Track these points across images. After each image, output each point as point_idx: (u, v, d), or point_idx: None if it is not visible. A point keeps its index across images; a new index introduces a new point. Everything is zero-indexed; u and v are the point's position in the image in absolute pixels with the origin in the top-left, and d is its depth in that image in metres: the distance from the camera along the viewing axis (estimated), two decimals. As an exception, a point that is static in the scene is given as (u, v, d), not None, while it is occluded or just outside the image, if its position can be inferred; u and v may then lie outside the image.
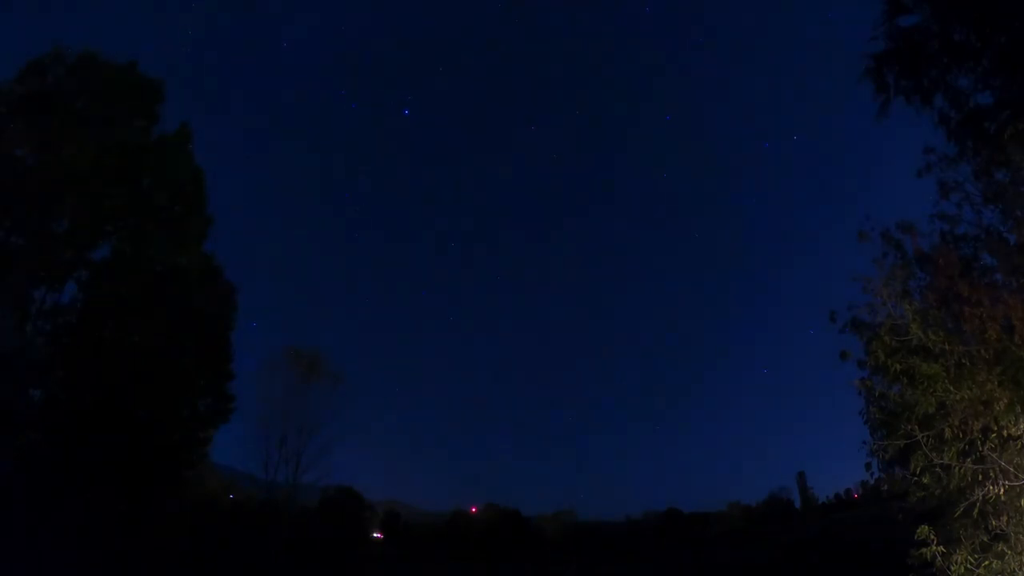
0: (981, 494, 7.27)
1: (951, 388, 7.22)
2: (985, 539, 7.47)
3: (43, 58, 19.04)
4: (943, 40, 8.56)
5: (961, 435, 7.31)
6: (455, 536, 54.80)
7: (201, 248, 21.07)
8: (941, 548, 7.48)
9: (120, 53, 20.93)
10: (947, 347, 7.40)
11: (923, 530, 7.56)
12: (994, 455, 7.22)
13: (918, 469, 7.50)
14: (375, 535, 51.72)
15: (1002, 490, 7.17)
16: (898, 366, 7.56)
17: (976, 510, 7.34)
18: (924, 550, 7.53)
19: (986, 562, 7.34)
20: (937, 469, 7.45)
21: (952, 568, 7.38)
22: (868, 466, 8.24)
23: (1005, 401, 7.08)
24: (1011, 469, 7.18)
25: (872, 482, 8.62)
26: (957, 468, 7.35)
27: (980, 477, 7.29)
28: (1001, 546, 7.37)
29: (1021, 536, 7.28)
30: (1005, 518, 7.38)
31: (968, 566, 7.35)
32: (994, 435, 7.21)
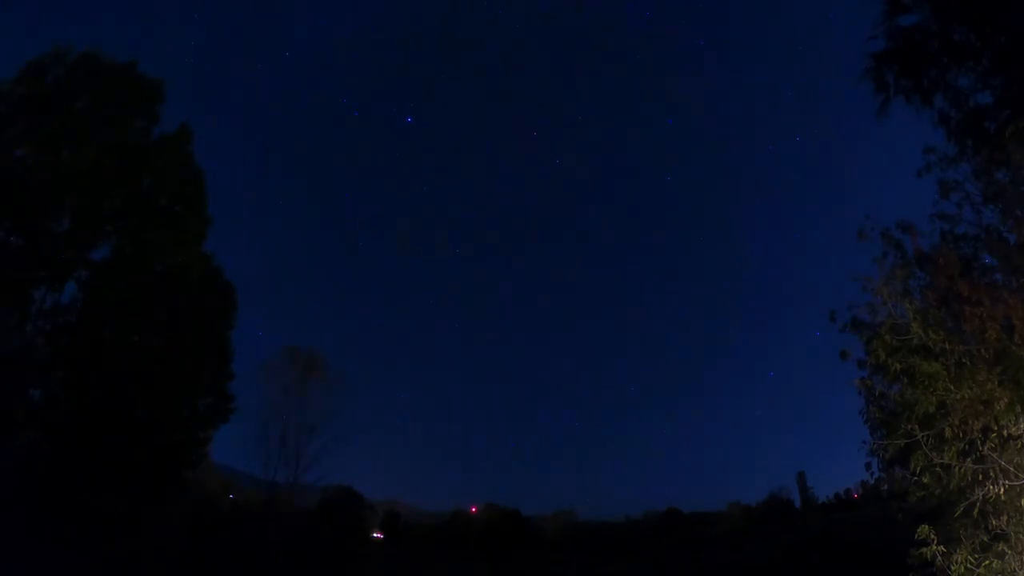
0: (981, 494, 7.27)
1: (951, 387, 7.22)
2: (985, 539, 7.48)
3: (43, 58, 19.03)
4: (943, 40, 8.56)
5: (961, 435, 7.30)
6: (455, 536, 54.79)
7: (201, 248, 21.06)
8: (941, 548, 7.48)
9: (120, 53, 20.93)
10: (947, 346, 7.40)
11: (923, 530, 7.56)
12: (994, 455, 7.22)
13: (918, 469, 7.50)
14: (375, 535, 51.70)
15: (1002, 490, 7.17)
16: (898, 365, 7.56)
17: (976, 510, 7.34)
18: (924, 550, 7.54)
19: (986, 562, 7.34)
20: (937, 469, 7.45)
21: (952, 568, 7.38)
22: (868, 466, 8.26)
23: (1005, 401, 7.08)
24: (1011, 469, 7.18)
25: (872, 482, 8.63)
26: (957, 468, 7.35)
27: (980, 477, 7.29)
28: (1001, 546, 7.37)
29: (1021, 536, 7.27)
30: (1005, 518, 7.37)
31: (968, 566, 7.35)
32: (994, 435, 7.21)
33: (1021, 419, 7.18)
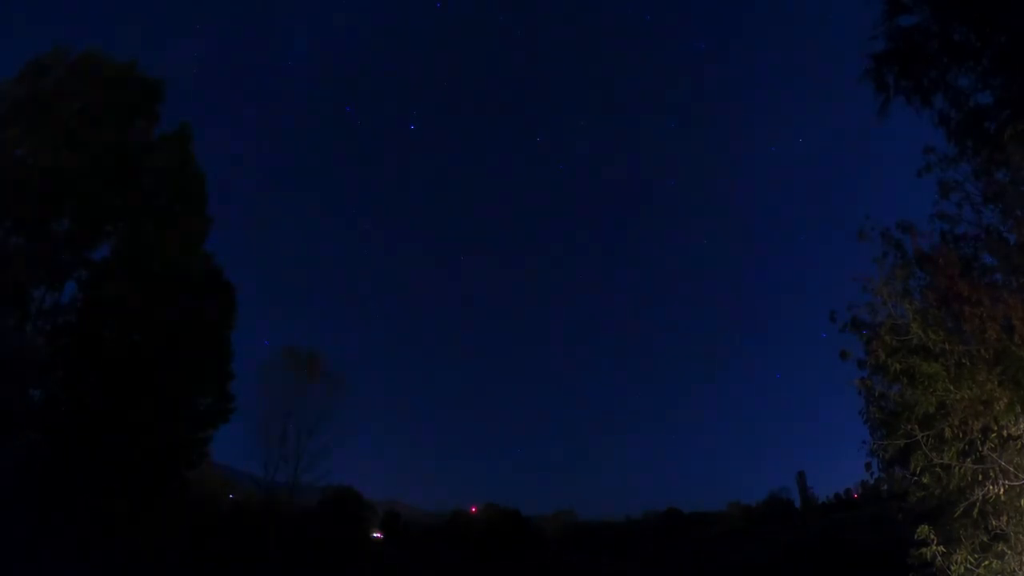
0: (981, 494, 7.28)
1: (951, 388, 7.22)
2: (985, 539, 7.48)
3: (43, 58, 19.05)
4: (943, 40, 8.57)
5: (961, 435, 7.31)
6: (455, 536, 54.75)
7: (201, 248, 21.08)
8: (941, 548, 7.48)
9: (121, 53, 20.97)
10: (947, 347, 7.40)
11: (923, 530, 7.56)
12: (994, 455, 7.23)
13: (918, 469, 7.51)
14: (375, 535, 51.68)
15: (1002, 490, 7.17)
16: (898, 366, 7.56)
17: (976, 510, 7.34)
18: (924, 550, 7.54)
19: (986, 562, 7.35)
20: (937, 469, 7.45)
21: (952, 568, 7.39)
22: (868, 466, 8.26)
23: (1005, 401, 7.08)
24: (1011, 469, 7.19)
25: (872, 482, 8.63)
26: (957, 468, 7.35)
27: (980, 477, 7.29)
28: (1001, 546, 7.37)
29: (1021, 536, 7.28)
30: (1005, 518, 7.38)
31: (968, 566, 7.35)
32: (994, 435, 7.22)
33: (1021, 419, 7.18)
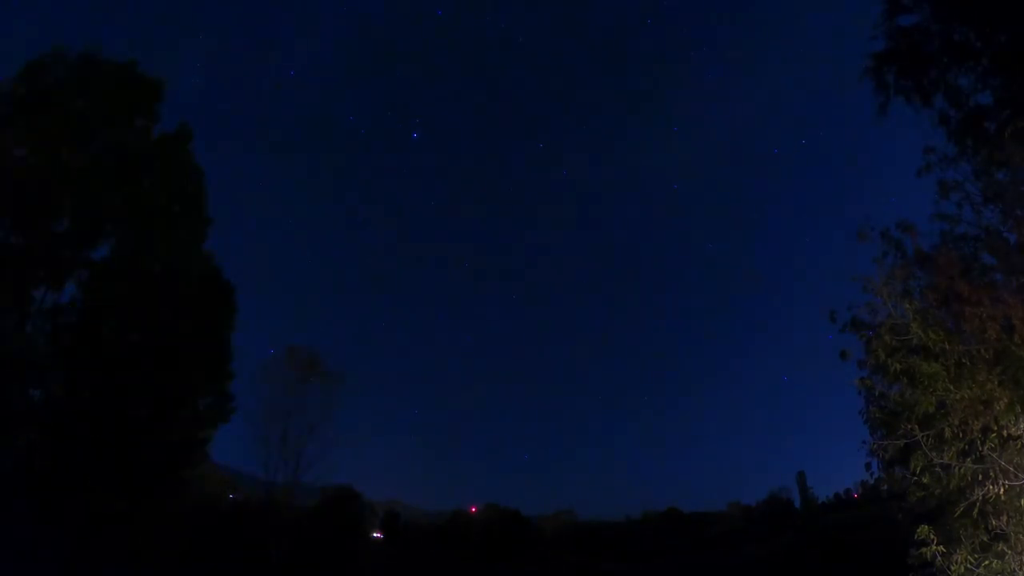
0: (981, 494, 7.26)
1: (951, 387, 7.21)
2: (985, 539, 7.47)
3: (43, 58, 19.02)
4: (943, 40, 8.57)
5: (961, 435, 7.30)
6: (455, 536, 54.73)
7: (201, 248, 21.06)
8: (941, 548, 7.47)
9: (122, 53, 20.93)
10: (947, 346, 7.39)
11: (923, 530, 7.54)
12: (994, 455, 7.22)
13: (918, 469, 7.49)
14: (375, 535, 51.68)
15: (1002, 490, 7.16)
16: (898, 365, 7.55)
17: (976, 510, 7.33)
18: (924, 550, 7.52)
19: (986, 562, 7.34)
20: (937, 469, 7.44)
21: (952, 568, 7.37)
22: (868, 466, 8.24)
23: (1005, 401, 7.08)
24: (1011, 469, 7.18)
25: (872, 482, 8.61)
26: (957, 468, 7.34)
27: (980, 477, 7.28)
28: (1001, 546, 7.36)
29: (1021, 536, 7.27)
30: (1005, 518, 7.37)
31: (968, 566, 7.34)
32: (994, 435, 7.21)
33: (1021, 419, 7.18)
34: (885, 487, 8.52)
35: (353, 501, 43.07)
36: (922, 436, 7.39)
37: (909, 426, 7.44)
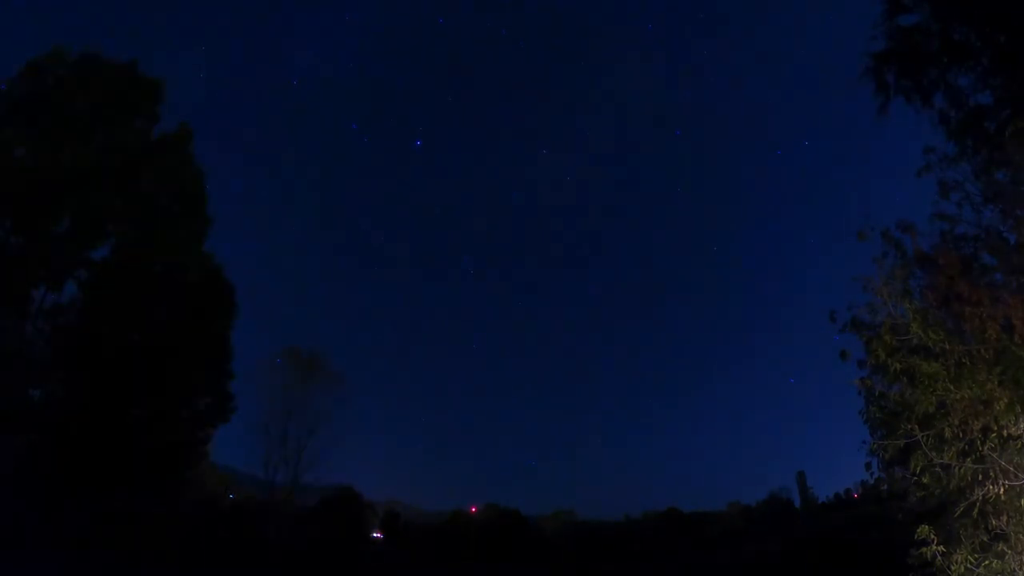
0: (981, 494, 7.26)
1: (951, 387, 7.20)
2: (985, 539, 7.46)
3: (43, 58, 19.06)
4: (943, 39, 8.57)
5: (961, 435, 7.30)
6: (455, 536, 54.69)
7: (201, 248, 21.10)
8: (941, 548, 7.46)
9: (122, 53, 20.97)
10: (947, 346, 7.38)
11: (923, 530, 7.54)
12: (994, 455, 7.21)
13: (918, 469, 7.49)
14: (375, 535, 51.67)
15: (1002, 490, 7.15)
16: (898, 365, 7.54)
17: (976, 510, 7.32)
18: (924, 550, 7.51)
19: (986, 562, 7.33)
20: (937, 469, 7.44)
21: (952, 568, 7.37)
22: (868, 466, 8.23)
23: (1005, 401, 7.07)
24: (1011, 469, 7.17)
25: (872, 482, 8.60)
26: (957, 468, 7.34)
27: (980, 477, 7.27)
28: (1001, 546, 7.36)
29: (1021, 536, 7.26)
30: (1005, 518, 7.36)
31: (968, 566, 7.34)
32: (994, 435, 7.20)
33: (1021, 419, 7.17)
34: (885, 487, 8.52)
35: (353, 501, 43.06)
36: (922, 436, 7.39)
37: (909, 426, 7.44)
